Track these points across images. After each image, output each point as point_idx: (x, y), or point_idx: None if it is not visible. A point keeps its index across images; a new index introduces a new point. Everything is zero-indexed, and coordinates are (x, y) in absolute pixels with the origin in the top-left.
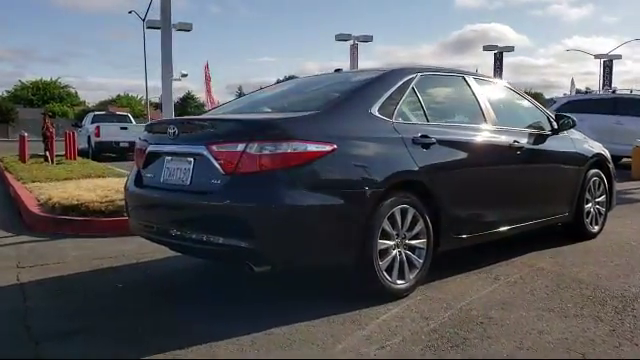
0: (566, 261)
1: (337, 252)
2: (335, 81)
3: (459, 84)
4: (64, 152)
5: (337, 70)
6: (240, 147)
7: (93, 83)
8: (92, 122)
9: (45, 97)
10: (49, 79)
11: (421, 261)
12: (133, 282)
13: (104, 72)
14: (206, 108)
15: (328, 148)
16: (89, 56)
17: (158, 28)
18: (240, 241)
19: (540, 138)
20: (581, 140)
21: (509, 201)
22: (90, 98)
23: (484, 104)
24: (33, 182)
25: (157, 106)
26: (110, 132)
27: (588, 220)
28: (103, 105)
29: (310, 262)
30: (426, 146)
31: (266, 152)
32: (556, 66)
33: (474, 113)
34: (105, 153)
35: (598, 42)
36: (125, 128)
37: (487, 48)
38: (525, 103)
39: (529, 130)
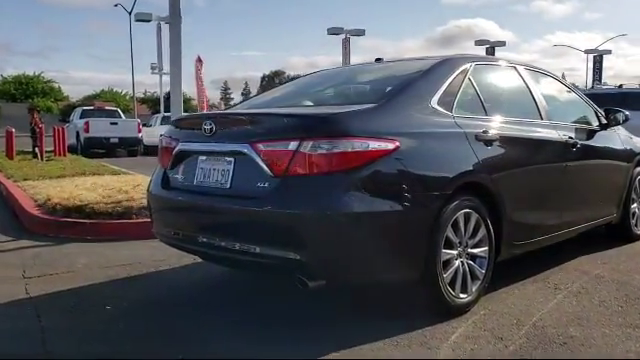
0: (620, 267)
1: (400, 265)
2: (382, 72)
3: (511, 75)
4: (53, 148)
5: (378, 60)
6: (292, 146)
7: (76, 78)
8: (81, 117)
9: (28, 92)
10: (32, 73)
11: (483, 271)
12: (157, 296)
13: (87, 67)
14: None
15: (391, 146)
16: (72, 50)
17: (147, 21)
18: (291, 252)
19: (590, 134)
20: (627, 136)
21: (565, 202)
22: (73, 93)
23: (537, 97)
24: (25, 180)
25: (143, 101)
26: (100, 127)
27: (634, 221)
28: (87, 100)
29: (370, 277)
30: (488, 143)
31: (322, 151)
32: (540, 62)
33: (528, 106)
34: (95, 149)
35: (581, 38)
36: (115, 123)
37: (479, 43)
38: (573, 96)
39: (579, 125)
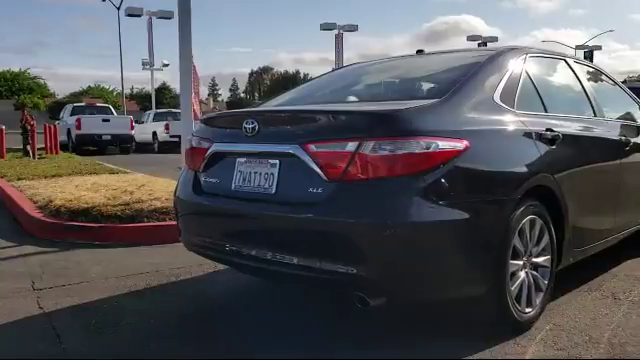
0: None
1: (470, 279)
2: (430, 64)
3: (563, 68)
4: (44, 146)
5: (419, 51)
6: (350, 146)
7: (62, 74)
8: (72, 114)
9: (14, 88)
10: (18, 70)
11: (546, 282)
12: (184, 310)
13: (74, 63)
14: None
15: (460, 146)
16: (58, 46)
17: (138, 16)
18: (349, 266)
19: (638, 131)
20: None
21: (620, 204)
22: (59, 90)
23: (590, 92)
24: (19, 180)
25: (131, 97)
26: (92, 124)
27: None
28: (74, 97)
29: (436, 294)
30: (552, 142)
31: (386, 153)
32: None
33: (581, 102)
34: (86, 146)
35: (566, 34)
36: (107, 120)
37: (471, 38)
38: (618, 90)
39: (627, 122)
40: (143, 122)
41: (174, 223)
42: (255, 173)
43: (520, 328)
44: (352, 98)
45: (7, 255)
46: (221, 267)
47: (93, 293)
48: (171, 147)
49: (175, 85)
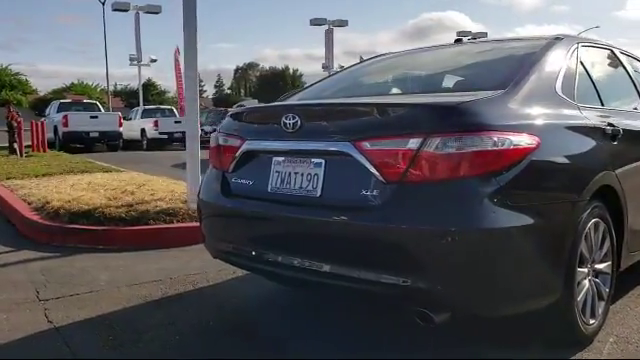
0: None
1: (541, 290)
2: (479, 54)
3: (612, 58)
4: (30, 143)
5: (458, 41)
6: (412, 144)
7: (44, 71)
8: (58, 111)
9: None
10: None
11: (607, 290)
12: (210, 323)
13: (56, 59)
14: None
15: (533, 142)
16: (40, 42)
17: (125, 10)
18: (409, 278)
19: None
20: None
21: None
22: (42, 86)
23: (638, 83)
24: (8, 179)
25: (116, 94)
26: (79, 121)
27: None
28: (57, 93)
29: (507, 307)
30: (613, 138)
31: (453, 150)
32: None
33: (632, 94)
34: (74, 144)
35: (550, 30)
36: (95, 117)
37: (461, 34)
38: None
39: None
40: (131, 119)
41: (182, 225)
42: (296, 174)
43: (584, 342)
44: (395, 91)
45: (4, 261)
46: (240, 273)
47: (105, 304)
48: (160, 144)
49: (161, 81)
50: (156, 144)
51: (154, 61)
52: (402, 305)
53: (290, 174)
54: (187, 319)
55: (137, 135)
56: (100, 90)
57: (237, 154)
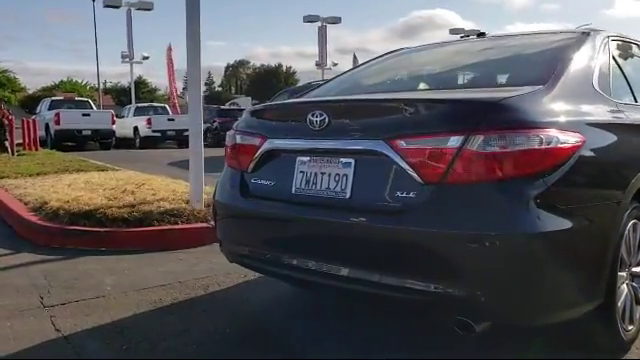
0: None
1: (586, 296)
2: (508, 49)
3: (638, 53)
4: (22, 142)
5: (481, 34)
6: (454, 142)
7: (33, 68)
8: (50, 108)
9: None
10: None
11: None
12: (225, 329)
13: (44, 57)
14: (160, 94)
15: (579, 140)
16: (28, 40)
17: (117, 7)
18: (450, 285)
19: None
20: None
21: None
22: (30, 84)
23: None
24: (1, 178)
25: (106, 91)
26: (71, 119)
27: None
28: (46, 91)
29: (553, 315)
30: None
31: (498, 149)
32: None
33: None
34: (66, 142)
35: (539, 28)
36: (88, 115)
37: (453, 31)
38: None
39: None
40: (123, 117)
41: (187, 227)
42: (322, 174)
43: (623, 349)
44: (424, 86)
45: (4, 264)
46: (251, 276)
47: (114, 310)
48: (153, 142)
49: (151, 79)
50: (149, 142)
51: (146, 58)
52: (440, 313)
53: (316, 174)
54: (202, 326)
55: (130, 133)
56: (90, 88)
57: (257, 153)
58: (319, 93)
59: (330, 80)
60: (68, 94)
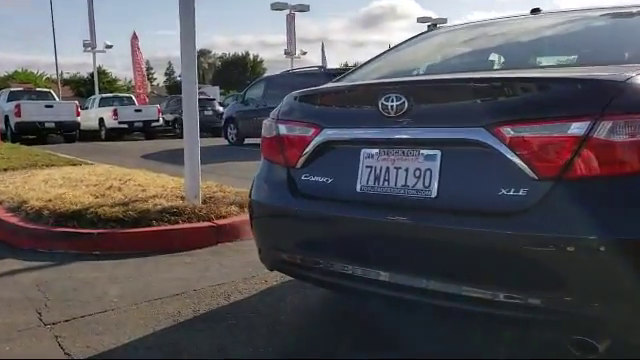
0: None
1: None
2: (588, 24)
3: None
4: None
5: (535, 10)
6: (577, 129)
7: None
8: (9, 100)
9: None
10: None
11: None
12: (265, 347)
13: None
14: (121, 84)
15: None
16: None
17: None
18: (572, 301)
19: None
20: None
21: None
22: None
23: None
24: None
25: (64, 83)
26: (33, 111)
27: None
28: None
29: None
30: None
31: (632, 138)
32: None
33: None
34: (27, 135)
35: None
36: (50, 106)
37: (421, 20)
38: None
39: None
40: (87, 108)
41: (189, 226)
42: (397, 169)
43: None
44: (497, 66)
45: None
46: (273, 281)
47: (130, 327)
48: (119, 134)
49: (111, 69)
50: (115, 134)
51: (110, 47)
52: (551, 332)
53: (388, 170)
54: (238, 344)
55: (95, 125)
56: (46, 79)
57: (309, 146)
58: (354, 78)
59: (366, 63)
60: (27, 85)
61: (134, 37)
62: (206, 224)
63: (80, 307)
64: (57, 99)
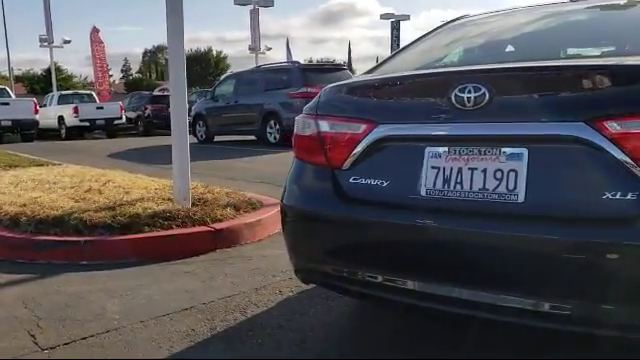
0: None
1: None
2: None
3: None
4: None
5: None
6: None
7: None
8: None
9: None
10: None
11: None
12: None
13: None
14: (76, 81)
15: None
16: None
17: None
18: None
19: None
20: None
21: None
22: None
23: None
24: None
25: (17, 79)
26: None
27: None
28: None
29: None
30: None
31: None
32: None
33: None
34: None
35: (451, 15)
36: (6, 104)
37: (384, 16)
38: None
39: None
40: (45, 105)
41: (185, 232)
42: (472, 170)
43: None
44: (572, 52)
45: None
46: (287, 292)
47: (141, 351)
48: (80, 132)
49: (67, 65)
50: (76, 133)
51: (68, 42)
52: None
53: (460, 171)
54: None
55: (54, 123)
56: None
57: (360, 145)
58: (385, 70)
59: (397, 54)
60: None
61: (94, 30)
62: (203, 229)
63: (78, 327)
64: (13, 96)
